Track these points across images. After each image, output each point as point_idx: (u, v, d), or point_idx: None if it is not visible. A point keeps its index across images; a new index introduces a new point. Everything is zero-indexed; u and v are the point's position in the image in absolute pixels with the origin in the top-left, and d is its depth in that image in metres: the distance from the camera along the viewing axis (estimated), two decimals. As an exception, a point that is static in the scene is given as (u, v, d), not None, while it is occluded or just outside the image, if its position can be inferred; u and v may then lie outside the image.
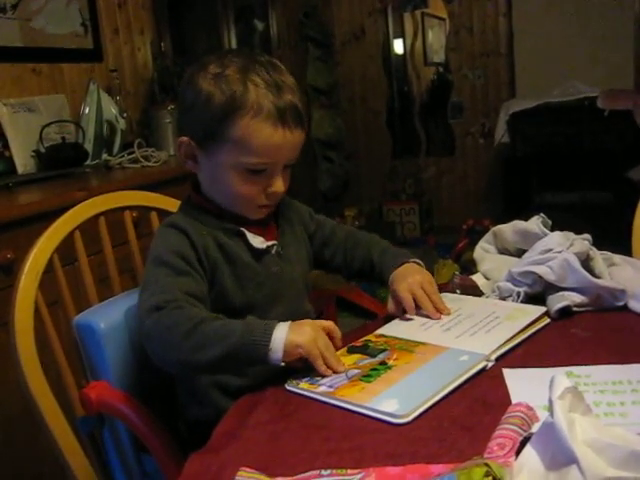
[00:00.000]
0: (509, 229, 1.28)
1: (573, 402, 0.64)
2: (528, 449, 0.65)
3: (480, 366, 0.90)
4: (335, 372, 0.92)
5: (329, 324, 0.98)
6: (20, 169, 2.35)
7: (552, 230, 1.21)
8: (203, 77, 1.05)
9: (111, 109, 2.68)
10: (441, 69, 4.95)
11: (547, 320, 1.06)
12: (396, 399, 0.82)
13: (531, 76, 4.29)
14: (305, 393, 0.88)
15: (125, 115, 2.72)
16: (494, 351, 0.94)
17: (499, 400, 0.82)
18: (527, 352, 0.97)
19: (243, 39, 3.96)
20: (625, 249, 1.29)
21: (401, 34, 4.89)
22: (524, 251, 1.25)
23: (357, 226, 4.49)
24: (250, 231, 1.11)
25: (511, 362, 0.93)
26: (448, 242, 3.81)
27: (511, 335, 0.98)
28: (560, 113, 3.71)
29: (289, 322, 0.94)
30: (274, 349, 0.91)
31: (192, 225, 1.08)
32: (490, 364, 0.92)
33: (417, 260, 1.19)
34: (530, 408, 0.72)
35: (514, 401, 0.81)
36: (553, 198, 3.74)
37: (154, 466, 1.09)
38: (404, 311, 1.10)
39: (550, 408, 0.64)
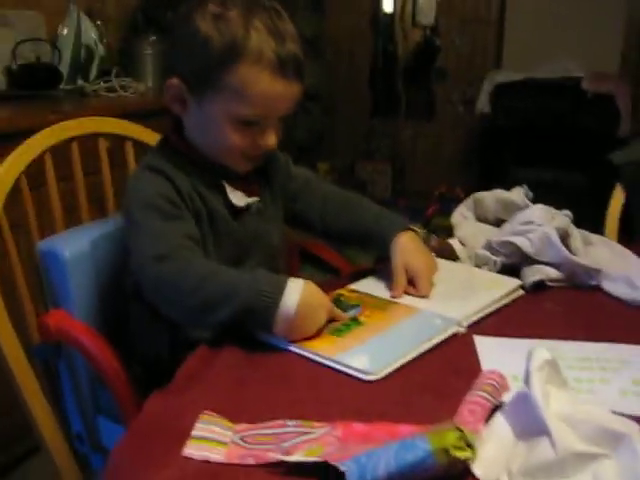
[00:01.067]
0: (490, 197, 1.26)
1: (550, 375, 0.63)
2: (499, 417, 0.64)
3: (452, 331, 0.89)
4: None
5: (337, 312, 0.93)
6: (-10, 85, 2.26)
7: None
8: (201, 16, 0.97)
9: (91, 34, 2.57)
10: (428, 32, 4.87)
11: (521, 292, 1.05)
12: (366, 356, 0.81)
13: (519, 49, 4.24)
14: (272, 341, 0.86)
15: (105, 41, 2.62)
16: (467, 317, 0.93)
17: (469, 367, 0.81)
18: (499, 321, 0.96)
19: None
20: (596, 232, 1.27)
21: (392, -10, 4.78)
22: (503, 221, 1.24)
23: (329, 181, 4.45)
24: (231, 185, 1.05)
25: (483, 330, 0.92)
26: (418, 206, 3.80)
27: (485, 304, 0.98)
28: (544, 89, 3.69)
29: (300, 290, 0.88)
30: (282, 314, 0.86)
31: (173, 170, 1.01)
32: (462, 330, 0.91)
33: (415, 227, 1.11)
34: (502, 377, 0.71)
35: (483, 367, 0.80)
36: (528, 174, 3.73)
37: (109, 401, 1.07)
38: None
39: (526, 379, 0.62)
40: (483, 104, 3.90)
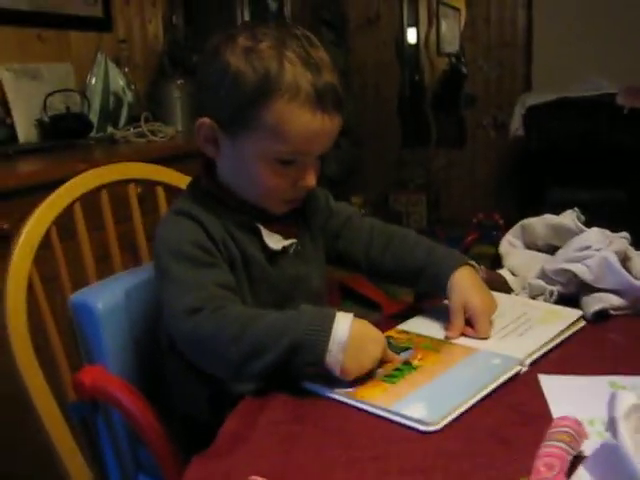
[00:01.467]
0: (540, 223, 1.19)
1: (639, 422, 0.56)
2: (582, 472, 0.57)
3: (514, 371, 0.82)
4: None
5: (391, 356, 0.86)
6: (22, 138, 2.27)
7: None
8: (231, 51, 0.91)
9: (119, 81, 2.59)
10: (454, 60, 4.84)
11: (583, 323, 0.97)
12: (423, 404, 0.74)
13: (549, 69, 4.18)
14: (322, 392, 0.80)
15: (133, 87, 2.63)
16: (528, 355, 0.86)
17: (537, 410, 0.74)
18: (563, 358, 0.89)
19: (256, 18, 3.85)
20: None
21: (415, 22, 4.78)
22: (554, 247, 1.17)
23: (363, 214, 4.39)
24: (267, 227, 0.99)
25: (546, 368, 0.85)
26: (456, 235, 3.73)
27: (546, 339, 0.90)
28: (578, 108, 3.60)
29: (349, 324, 0.82)
30: (333, 351, 0.80)
31: (205, 214, 0.95)
32: (524, 369, 0.84)
33: (471, 261, 1.03)
34: (578, 423, 0.64)
35: (554, 411, 0.73)
36: (566, 195, 3.63)
37: (149, 458, 1.01)
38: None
39: (612, 427, 0.55)
40: (516, 127, 3.83)
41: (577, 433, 0.62)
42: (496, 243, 3.74)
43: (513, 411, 0.74)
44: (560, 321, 0.95)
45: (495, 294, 1.04)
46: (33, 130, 2.31)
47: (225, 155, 0.97)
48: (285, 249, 1.00)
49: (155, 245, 0.96)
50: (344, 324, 0.81)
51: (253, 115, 0.90)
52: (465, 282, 0.98)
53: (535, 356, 0.87)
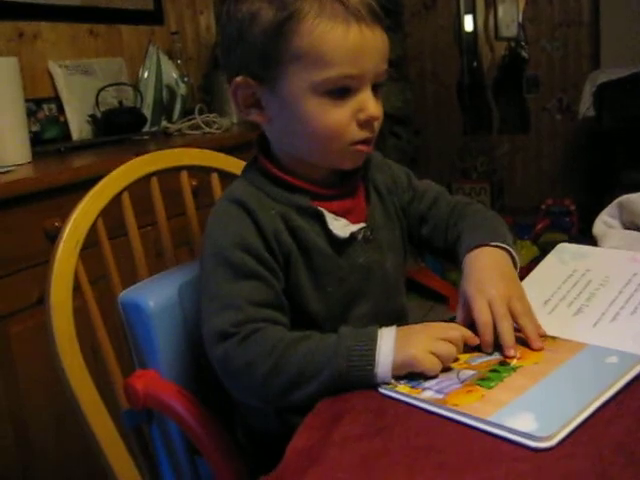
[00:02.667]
0: (641, 200, 1.05)
1: None
2: None
3: (636, 371, 0.68)
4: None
5: (452, 332, 0.75)
6: (75, 134, 2.23)
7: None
8: (240, 2, 0.83)
9: (171, 73, 2.53)
10: (513, 44, 4.67)
11: None
12: (532, 413, 0.61)
13: (618, 46, 3.98)
14: (406, 399, 0.68)
15: (186, 80, 2.56)
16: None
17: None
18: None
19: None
20: None
21: (472, 8, 4.63)
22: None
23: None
24: (331, 210, 0.87)
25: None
26: (523, 223, 3.57)
27: None
28: (654, 84, 3.39)
29: (394, 333, 0.74)
30: (380, 374, 0.72)
31: (258, 200, 0.85)
32: (648, 368, 0.70)
33: (506, 245, 0.87)
34: None
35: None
36: (643, 176, 3.43)
37: (210, 473, 0.91)
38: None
39: None
40: (586, 107, 3.63)
41: None
42: (568, 229, 3.57)
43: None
44: None
45: (592, 250, 0.90)
46: (86, 126, 2.27)
47: (272, 113, 0.86)
48: (353, 235, 0.88)
49: (204, 236, 0.86)
50: (388, 337, 0.73)
51: (284, 48, 0.80)
52: (482, 268, 0.84)
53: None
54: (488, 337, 0.76)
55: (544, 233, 3.41)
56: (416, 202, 0.99)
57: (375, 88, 0.83)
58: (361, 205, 0.92)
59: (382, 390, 0.71)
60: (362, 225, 0.90)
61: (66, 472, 1.61)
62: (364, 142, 0.85)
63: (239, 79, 0.84)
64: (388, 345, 0.72)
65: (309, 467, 0.58)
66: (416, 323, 0.80)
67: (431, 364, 0.71)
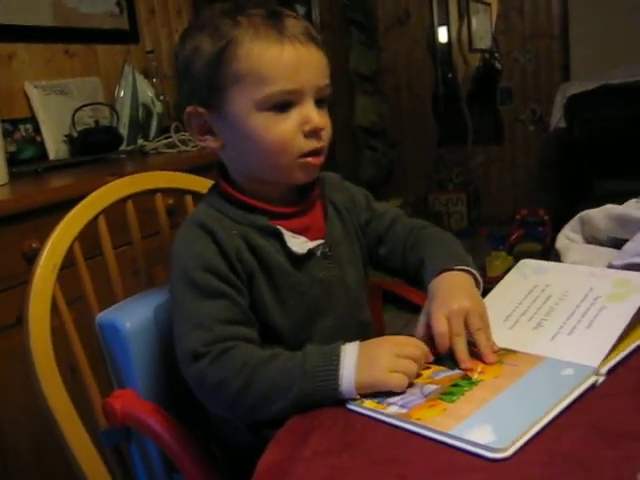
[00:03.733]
0: (601, 215, 1.09)
1: None
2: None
3: (589, 382, 0.72)
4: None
5: (411, 349, 0.78)
6: (52, 154, 2.24)
7: None
8: (190, 35, 0.90)
9: (147, 92, 2.55)
10: (487, 55, 4.74)
11: None
12: (490, 425, 0.65)
13: (587, 58, 4.06)
14: (372, 414, 0.71)
15: (162, 98, 2.58)
16: (604, 361, 0.76)
17: (622, 428, 0.64)
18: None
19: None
20: None
21: (445, 20, 4.69)
22: (618, 240, 1.06)
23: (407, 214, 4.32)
24: (289, 228, 0.91)
25: (625, 376, 0.75)
26: (498, 233, 3.62)
27: (621, 330, 0.79)
28: (622, 95, 3.47)
29: (356, 350, 0.77)
30: (345, 392, 0.75)
31: (219, 222, 0.89)
32: (601, 379, 0.74)
33: (471, 269, 0.91)
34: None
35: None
36: (614, 186, 3.48)
37: (188, 489, 0.93)
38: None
39: None
40: (557, 118, 3.70)
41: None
42: (542, 239, 3.62)
43: (594, 430, 0.64)
44: (632, 293, 0.85)
45: (552, 265, 0.95)
46: (63, 146, 2.28)
47: (224, 137, 0.91)
48: (311, 252, 0.92)
49: (170, 256, 0.90)
50: (351, 352, 0.77)
51: (225, 73, 0.85)
52: (449, 286, 0.88)
53: (612, 362, 0.76)
54: (442, 348, 0.80)
55: (518, 243, 3.46)
56: (374, 223, 1.03)
57: (319, 102, 0.88)
58: (319, 222, 0.96)
59: (349, 406, 0.74)
60: (320, 242, 0.93)
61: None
62: (313, 154, 0.89)
63: (190, 109, 0.90)
64: (350, 364, 0.75)
65: (279, 482, 0.61)
66: (395, 335, 0.84)
67: (396, 383, 0.74)
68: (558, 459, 0.60)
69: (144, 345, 0.98)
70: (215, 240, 0.87)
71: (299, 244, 0.91)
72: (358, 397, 0.75)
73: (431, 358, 0.80)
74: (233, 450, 0.93)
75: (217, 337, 0.81)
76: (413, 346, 0.79)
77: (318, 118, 0.87)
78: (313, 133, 0.87)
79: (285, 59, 0.84)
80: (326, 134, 0.89)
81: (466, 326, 0.81)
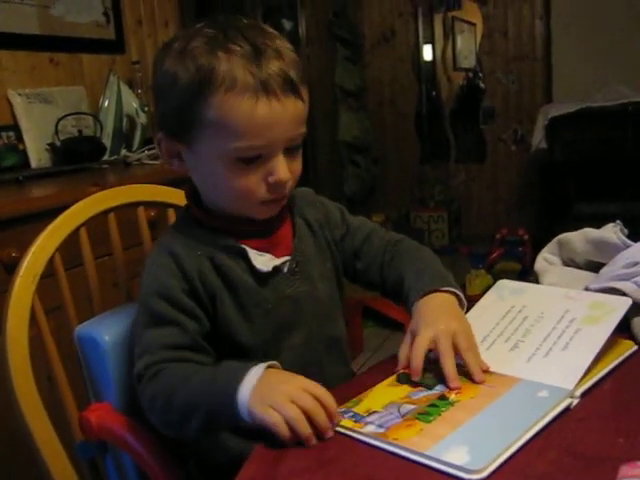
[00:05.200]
0: (578, 238, 1.10)
1: None
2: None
3: (564, 405, 0.73)
4: (323, 436, 0.72)
5: (318, 392, 0.74)
6: (34, 163, 2.23)
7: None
8: (168, 57, 0.86)
9: (132, 103, 2.55)
10: (471, 74, 4.79)
11: (634, 347, 0.88)
12: (465, 447, 0.65)
13: (569, 81, 4.12)
14: (349, 433, 0.71)
15: (146, 109, 2.58)
16: (579, 384, 0.77)
17: (596, 451, 0.65)
18: (618, 387, 0.79)
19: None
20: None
21: (431, 38, 4.73)
22: (595, 264, 1.08)
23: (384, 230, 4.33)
24: (255, 247, 0.92)
25: (600, 399, 0.76)
26: (478, 251, 3.64)
27: (595, 353, 0.81)
28: (602, 118, 3.52)
29: (256, 379, 0.76)
30: (243, 417, 0.75)
31: (185, 244, 0.89)
32: (575, 402, 0.75)
33: (456, 290, 0.92)
34: (649, 471, 0.55)
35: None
36: (593, 208, 3.54)
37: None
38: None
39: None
40: (539, 140, 3.74)
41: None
42: (521, 259, 3.65)
43: (568, 453, 0.65)
44: (607, 315, 0.87)
45: (529, 286, 0.97)
46: (45, 155, 2.27)
47: (190, 166, 0.91)
48: (278, 268, 0.93)
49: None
50: (255, 374, 0.76)
51: (196, 114, 0.84)
52: (434, 307, 0.88)
53: (587, 385, 0.78)
54: (415, 371, 0.80)
55: (498, 262, 3.48)
56: (349, 237, 1.03)
57: (291, 150, 0.88)
58: (287, 239, 0.96)
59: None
60: (287, 258, 0.94)
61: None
62: (274, 201, 0.90)
63: (161, 135, 0.91)
64: (245, 396, 0.75)
65: (255, 500, 0.61)
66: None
67: (271, 421, 0.72)
68: (532, 481, 0.61)
69: (122, 359, 0.97)
70: (178, 264, 0.88)
71: (264, 262, 0.91)
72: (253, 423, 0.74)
73: (335, 418, 0.74)
74: (210, 467, 0.93)
75: (159, 360, 0.84)
76: (312, 397, 0.73)
77: (283, 172, 0.86)
78: (276, 185, 0.87)
79: (257, 116, 0.82)
80: (292, 183, 0.90)
81: (454, 347, 0.82)
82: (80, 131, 2.34)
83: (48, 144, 2.27)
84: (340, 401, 0.76)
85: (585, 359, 0.80)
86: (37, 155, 2.24)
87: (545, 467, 0.63)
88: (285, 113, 0.84)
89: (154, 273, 0.89)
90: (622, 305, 0.88)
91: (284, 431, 0.70)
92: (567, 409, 0.73)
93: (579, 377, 0.78)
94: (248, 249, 0.91)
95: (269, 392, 0.74)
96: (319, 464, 0.66)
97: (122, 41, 2.72)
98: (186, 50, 0.84)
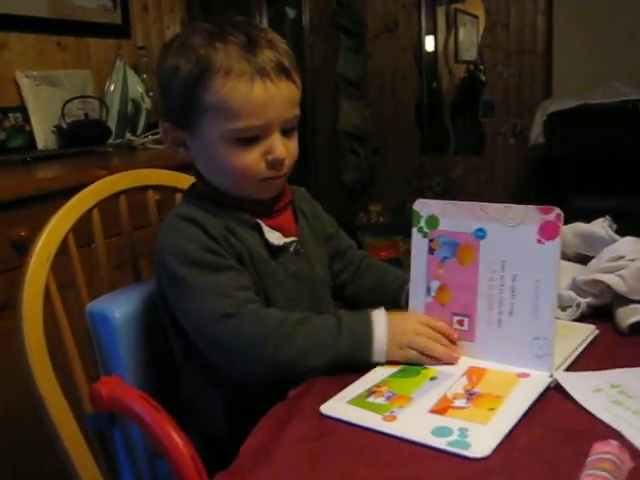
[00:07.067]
0: (569, 232, 1.15)
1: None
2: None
3: (545, 385, 0.79)
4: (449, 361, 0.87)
5: (439, 324, 0.90)
6: (40, 144, 2.27)
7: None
8: (170, 52, 0.96)
9: (137, 87, 2.59)
10: (472, 67, 4.81)
11: (596, 332, 0.95)
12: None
13: (569, 76, 4.15)
14: (346, 419, 0.75)
15: (151, 94, 2.62)
16: (556, 367, 0.83)
17: (574, 426, 0.70)
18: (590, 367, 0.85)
19: (274, 25, 3.85)
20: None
21: (433, 30, 4.75)
22: (584, 256, 1.13)
23: (381, 222, 4.38)
24: (267, 224, 1.00)
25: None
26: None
27: (570, 351, 0.88)
28: (601, 115, 3.56)
29: (385, 321, 0.88)
30: (377, 356, 0.87)
31: (204, 217, 0.95)
32: (553, 382, 0.80)
33: None
34: (622, 449, 0.60)
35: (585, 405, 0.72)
36: (589, 203, 3.57)
37: (168, 473, 0.98)
38: None
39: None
40: (537, 134, 3.79)
41: (620, 460, 0.59)
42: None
43: (548, 428, 0.70)
44: (574, 334, 0.93)
45: None
46: (51, 136, 2.31)
47: (195, 152, 0.99)
48: (286, 246, 1.00)
49: (158, 251, 0.96)
50: (380, 323, 0.87)
51: (197, 100, 0.92)
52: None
53: (564, 366, 0.84)
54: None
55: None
56: (337, 237, 1.14)
57: (287, 131, 0.96)
58: (290, 224, 1.04)
59: (323, 411, 0.77)
60: (293, 238, 1.02)
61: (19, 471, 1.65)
62: (274, 178, 0.97)
63: (166, 125, 0.99)
64: (382, 326, 0.87)
65: (260, 465, 0.67)
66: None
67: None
68: (516, 452, 0.66)
69: (131, 335, 1.03)
70: (204, 229, 0.94)
71: (276, 237, 0.99)
72: (385, 363, 0.86)
73: (454, 336, 0.89)
74: (212, 441, 0.98)
75: (241, 300, 0.89)
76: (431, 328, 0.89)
77: (281, 150, 0.94)
78: (275, 163, 0.95)
79: (254, 97, 0.90)
80: (289, 162, 0.98)
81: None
82: (86, 114, 2.38)
83: (54, 126, 2.31)
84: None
85: (561, 352, 0.86)
86: (43, 137, 2.28)
87: (527, 441, 0.68)
88: (279, 94, 0.92)
89: (184, 235, 0.94)
90: (588, 329, 0.95)
91: (425, 360, 0.86)
92: (547, 390, 0.79)
93: (557, 362, 0.83)
94: (262, 224, 0.98)
95: (400, 335, 0.87)
96: (319, 433, 0.72)
97: (128, 26, 2.76)
98: (186, 44, 0.93)
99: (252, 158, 0.94)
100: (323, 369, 0.86)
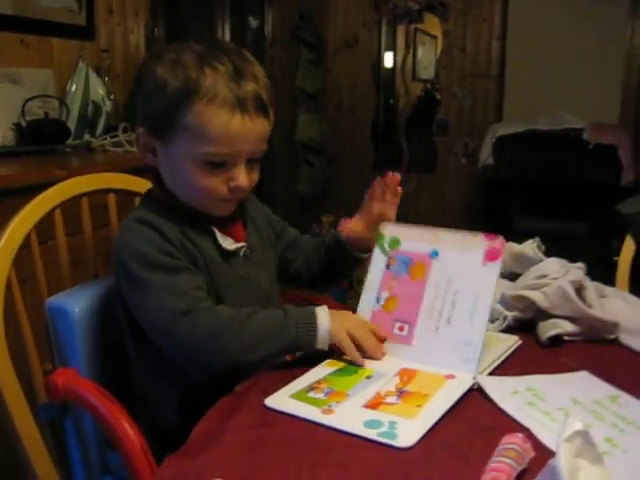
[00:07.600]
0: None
1: (582, 447, 0.60)
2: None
3: (468, 386, 0.88)
4: (374, 358, 0.96)
5: (372, 325, 1.00)
6: (-2, 141, 2.28)
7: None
8: (160, 64, 1.01)
9: (98, 90, 2.61)
10: (429, 86, 4.93)
11: (519, 342, 1.04)
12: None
13: (519, 102, 4.30)
14: (288, 411, 0.82)
15: (112, 97, 2.65)
16: (480, 370, 0.92)
17: (489, 422, 0.79)
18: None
19: (236, 34, 3.91)
20: (601, 281, 1.24)
21: (392, 47, 4.86)
22: (514, 274, 1.23)
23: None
24: (219, 231, 1.07)
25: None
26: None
27: (493, 358, 0.97)
28: (547, 141, 3.72)
29: (327, 312, 0.97)
30: (321, 343, 0.95)
31: (160, 221, 1.02)
32: (477, 384, 0.89)
33: None
34: (526, 440, 0.68)
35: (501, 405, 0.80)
36: (532, 224, 3.73)
37: (118, 462, 1.04)
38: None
39: (557, 450, 0.60)
40: (486, 156, 3.93)
41: (523, 450, 0.67)
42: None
43: (467, 424, 0.79)
44: (501, 344, 1.02)
45: None
46: (10, 134, 2.32)
47: (162, 161, 1.05)
48: (236, 251, 1.08)
49: (117, 252, 1.01)
50: (323, 314, 0.96)
51: (177, 118, 0.98)
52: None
53: (488, 370, 0.93)
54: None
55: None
56: (284, 233, 1.25)
57: (251, 161, 1.03)
58: (240, 231, 1.12)
59: (267, 403, 0.84)
60: (243, 244, 1.10)
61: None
62: (231, 200, 1.05)
63: (141, 130, 1.04)
64: (324, 316, 0.96)
65: (208, 448, 0.74)
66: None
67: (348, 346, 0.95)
68: (438, 444, 0.75)
69: (88, 329, 1.09)
70: (160, 232, 1.00)
71: (228, 243, 1.08)
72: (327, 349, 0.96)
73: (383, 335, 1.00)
74: (161, 433, 1.03)
75: (196, 298, 0.96)
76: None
77: (243, 180, 1.02)
78: (236, 190, 1.03)
79: (231, 128, 0.97)
80: (248, 189, 1.06)
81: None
82: (46, 113, 2.39)
83: (14, 124, 2.32)
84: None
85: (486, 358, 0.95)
86: (2, 133, 2.29)
87: (448, 436, 0.77)
88: (254, 130, 0.99)
89: (142, 238, 1.00)
90: (511, 340, 1.04)
91: (353, 352, 0.95)
92: (470, 390, 0.87)
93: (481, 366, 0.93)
94: (215, 230, 1.06)
95: (342, 320, 0.97)
96: (263, 422, 0.79)
97: (93, 28, 2.78)
98: (178, 61, 0.98)
99: (216, 182, 1.01)
100: (274, 357, 0.94)
